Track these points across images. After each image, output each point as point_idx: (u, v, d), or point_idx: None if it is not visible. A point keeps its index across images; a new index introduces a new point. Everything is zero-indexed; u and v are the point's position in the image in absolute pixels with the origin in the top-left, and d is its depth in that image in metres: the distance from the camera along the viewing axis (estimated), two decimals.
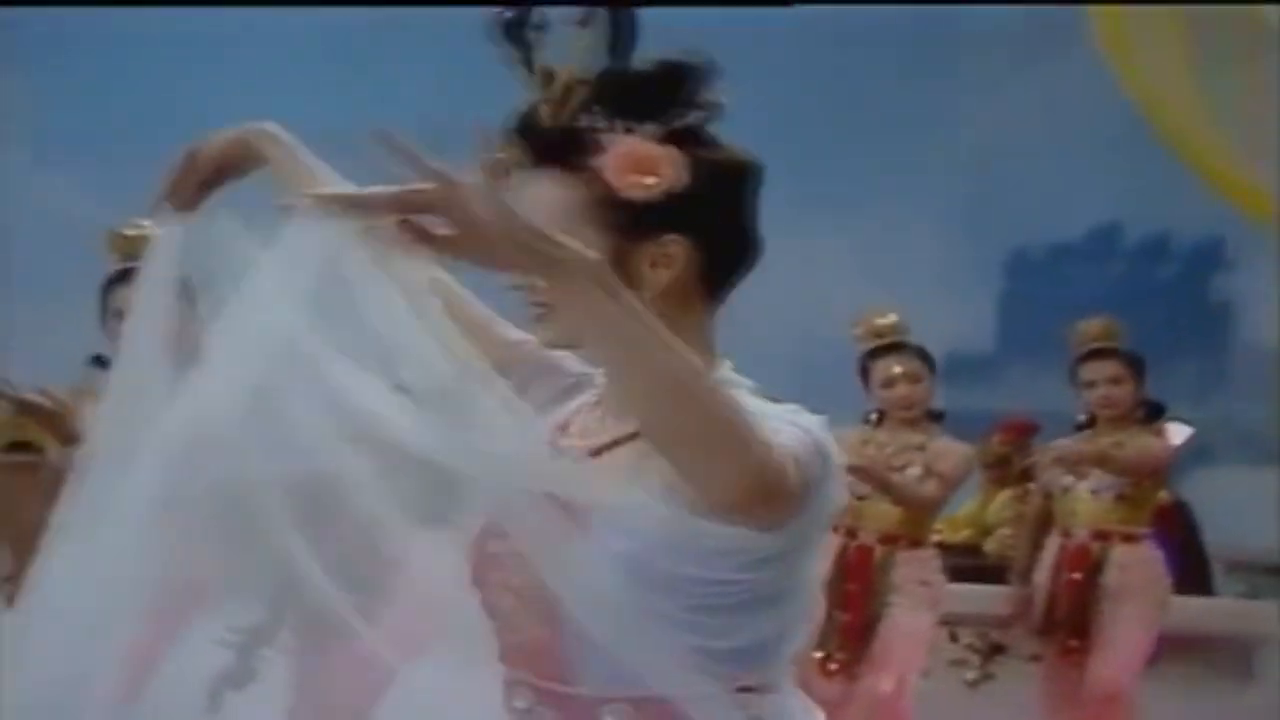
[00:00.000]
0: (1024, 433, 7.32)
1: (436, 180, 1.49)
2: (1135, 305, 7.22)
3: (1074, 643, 5.39)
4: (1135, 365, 5.55)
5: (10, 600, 4.61)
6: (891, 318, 5.45)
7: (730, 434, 1.53)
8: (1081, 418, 5.60)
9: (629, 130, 1.68)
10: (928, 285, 8.79)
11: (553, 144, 1.69)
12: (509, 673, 1.74)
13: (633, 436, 1.68)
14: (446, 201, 1.49)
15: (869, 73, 9.39)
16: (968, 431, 5.71)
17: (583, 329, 1.52)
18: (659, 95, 1.71)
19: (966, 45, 9.39)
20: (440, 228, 1.52)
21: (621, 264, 1.63)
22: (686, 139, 1.70)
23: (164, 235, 1.89)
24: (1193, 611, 6.09)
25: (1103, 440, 5.48)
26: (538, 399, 1.81)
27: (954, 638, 6.30)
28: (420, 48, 8.87)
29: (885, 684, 5.20)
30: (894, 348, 5.39)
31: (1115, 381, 5.51)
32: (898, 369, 5.37)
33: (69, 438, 3.93)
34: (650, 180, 1.65)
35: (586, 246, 1.53)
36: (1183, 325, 9.07)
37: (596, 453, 1.73)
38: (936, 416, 5.49)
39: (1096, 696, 5.30)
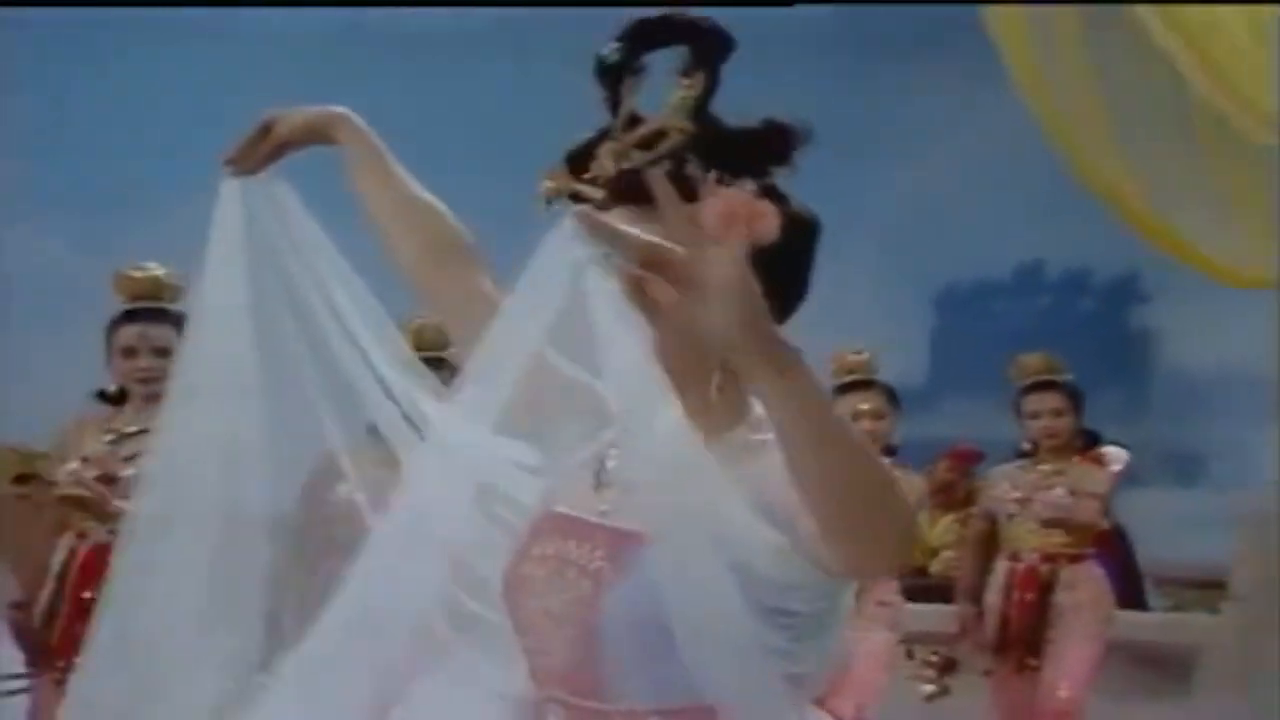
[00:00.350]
0: (969, 460, 7.37)
1: (688, 235, 1.42)
2: (1060, 337, 7.26)
3: (1032, 661, 5.41)
4: (1075, 397, 5.60)
5: (14, 627, 4.52)
6: (864, 355, 5.48)
7: (897, 514, 1.53)
8: (1026, 446, 5.63)
9: (721, 181, 1.62)
10: (863, 321, 8.83)
11: (634, 182, 1.63)
12: (539, 692, 1.72)
13: None
14: (690, 267, 1.41)
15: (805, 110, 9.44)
16: (903, 460, 5.73)
17: (784, 411, 1.47)
18: (760, 153, 1.71)
19: (896, 94, 9.47)
20: (669, 294, 1.42)
21: None
22: (772, 194, 1.68)
23: (228, 189, 1.95)
24: (1132, 625, 6.15)
25: (1045, 468, 5.52)
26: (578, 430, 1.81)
27: (910, 654, 6.32)
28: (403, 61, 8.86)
29: (845, 707, 5.17)
30: (862, 384, 5.43)
31: (1057, 413, 5.55)
32: (864, 405, 5.38)
33: (109, 518, 3.88)
34: (746, 231, 1.65)
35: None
36: (1105, 355, 9.14)
37: None
38: (890, 451, 5.50)
39: (1052, 710, 5.31)
